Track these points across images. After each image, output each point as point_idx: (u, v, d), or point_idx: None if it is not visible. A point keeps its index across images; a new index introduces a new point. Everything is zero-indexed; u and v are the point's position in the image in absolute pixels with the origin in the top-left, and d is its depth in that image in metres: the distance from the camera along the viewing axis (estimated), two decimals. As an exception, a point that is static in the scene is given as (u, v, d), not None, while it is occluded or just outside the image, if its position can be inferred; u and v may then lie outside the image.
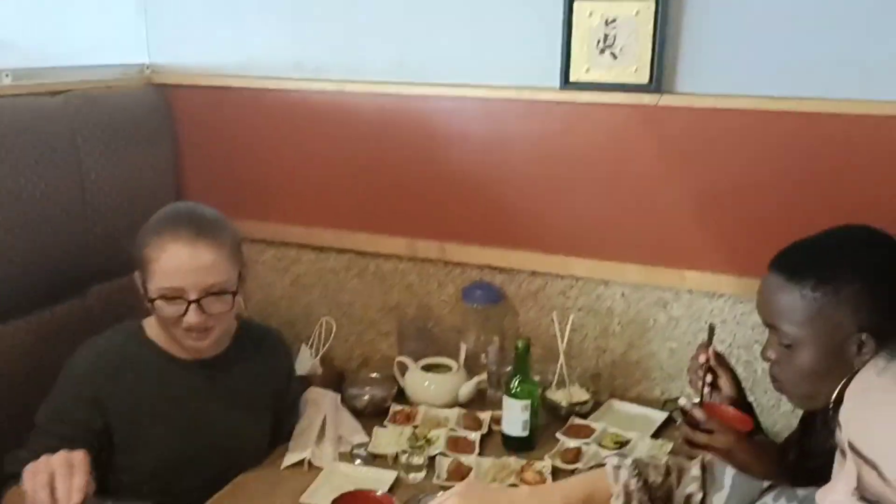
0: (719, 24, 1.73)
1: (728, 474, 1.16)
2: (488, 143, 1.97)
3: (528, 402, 1.70)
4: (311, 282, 2.23)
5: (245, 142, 2.20)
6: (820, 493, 0.81)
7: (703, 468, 1.17)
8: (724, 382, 1.49)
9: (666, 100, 1.78)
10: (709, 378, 1.49)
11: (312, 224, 2.18)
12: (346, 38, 2.05)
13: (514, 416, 1.70)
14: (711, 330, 1.52)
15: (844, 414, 0.78)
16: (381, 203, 2.10)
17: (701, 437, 1.35)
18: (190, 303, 1.48)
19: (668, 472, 1.17)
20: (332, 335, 2.02)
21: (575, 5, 1.81)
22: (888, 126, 1.64)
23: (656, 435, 1.76)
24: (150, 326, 1.60)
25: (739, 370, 1.61)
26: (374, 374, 1.96)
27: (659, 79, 1.78)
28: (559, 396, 1.86)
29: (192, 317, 1.48)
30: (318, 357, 2.01)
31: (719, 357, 1.51)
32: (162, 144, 2.19)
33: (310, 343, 2.06)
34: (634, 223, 1.88)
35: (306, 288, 2.24)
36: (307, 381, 1.92)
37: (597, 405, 1.89)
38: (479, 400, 1.93)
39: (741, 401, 1.52)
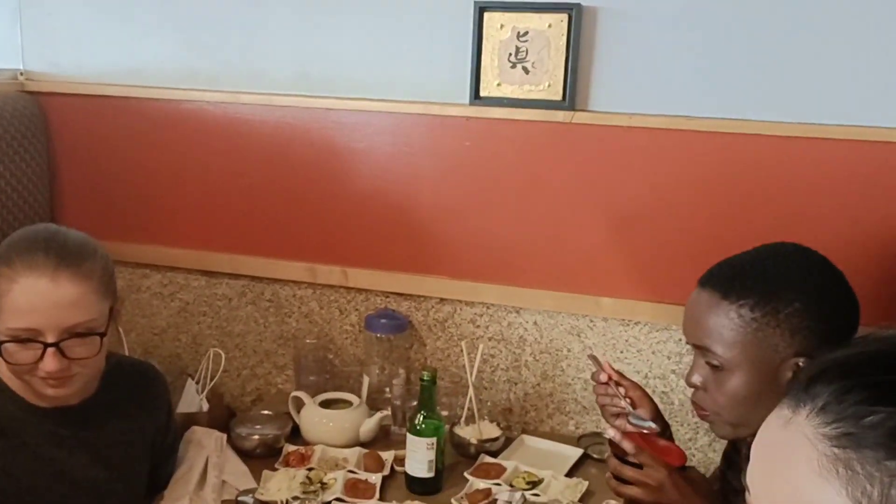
0: (634, 40, 1.66)
1: None
2: (394, 161, 1.84)
3: (433, 439, 1.56)
4: (200, 310, 2.05)
5: (129, 156, 2.01)
6: None
7: None
8: (640, 399, 1.38)
9: (580, 117, 1.70)
10: (622, 392, 1.38)
11: (203, 247, 2.00)
12: (244, 48, 1.90)
13: (419, 456, 1.56)
14: (594, 359, 1.43)
15: (750, 475, 0.65)
16: (278, 224, 1.94)
17: (630, 472, 1.23)
18: (47, 346, 1.24)
19: None
20: (221, 368, 1.83)
21: (485, 16, 1.72)
22: (801, 146, 1.60)
23: (571, 473, 1.65)
24: (3, 368, 1.34)
25: (656, 401, 1.52)
26: (266, 412, 1.79)
27: (573, 95, 1.70)
28: (468, 433, 1.73)
29: (50, 363, 1.24)
30: (206, 392, 1.82)
31: (621, 375, 1.41)
32: (35, 157, 1.98)
33: (196, 377, 1.87)
34: (547, 247, 1.79)
35: (195, 317, 2.05)
36: (191, 420, 1.72)
37: (508, 441, 1.77)
38: (382, 438, 1.78)
39: (660, 421, 1.42)
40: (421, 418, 1.56)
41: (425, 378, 1.57)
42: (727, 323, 1.18)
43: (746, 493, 0.65)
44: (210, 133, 1.94)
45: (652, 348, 1.77)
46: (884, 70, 1.54)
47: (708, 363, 1.22)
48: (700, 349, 1.23)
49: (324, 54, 1.85)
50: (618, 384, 1.40)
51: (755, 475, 0.64)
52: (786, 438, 0.60)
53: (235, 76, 1.91)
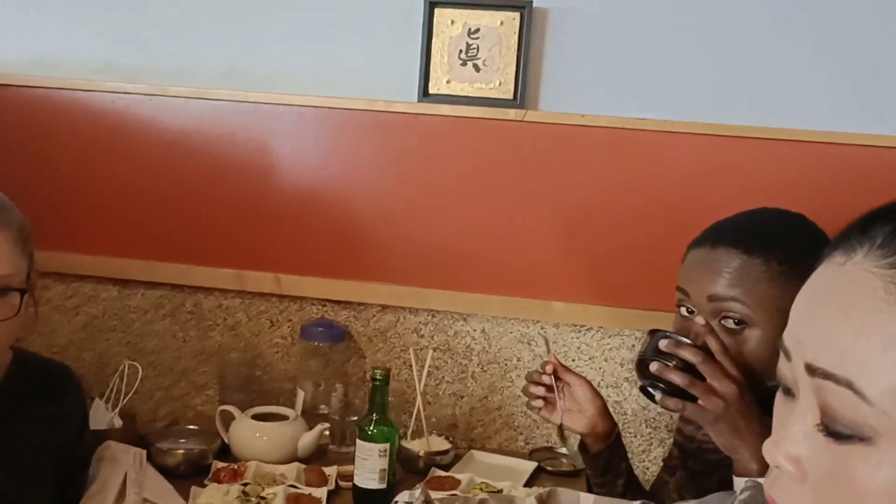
0: (587, 39, 1.66)
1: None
2: (334, 160, 1.74)
3: (386, 445, 1.42)
4: (108, 324, 1.83)
5: (33, 151, 1.81)
6: (766, 446, 0.60)
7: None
8: (580, 390, 1.31)
9: (531, 116, 1.67)
10: (560, 386, 1.31)
11: (116, 253, 1.81)
12: (168, 38, 1.78)
13: (370, 464, 1.42)
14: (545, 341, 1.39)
15: (794, 334, 0.59)
16: (203, 227, 1.79)
17: (700, 385, 1.07)
18: None
19: None
20: (137, 382, 1.63)
21: (436, 12, 1.68)
22: (755, 148, 1.62)
23: (529, 484, 1.54)
24: None
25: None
26: (192, 426, 1.60)
27: (524, 94, 1.67)
28: (415, 446, 1.60)
29: None
30: (118, 409, 1.61)
31: (566, 368, 1.34)
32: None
33: (105, 396, 1.66)
34: (497, 249, 1.72)
35: (102, 332, 1.84)
36: (102, 438, 1.51)
37: (456, 458, 1.65)
38: (319, 457, 1.62)
39: (609, 420, 1.34)
40: (372, 422, 1.43)
41: (378, 377, 1.44)
42: (756, 275, 1.13)
43: (781, 365, 0.58)
44: (127, 128, 1.78)
45: (604, 355, 1.71)
46: (836, 74, 1.59)
47: (728, 318, 1.14)
48: (722, 302, 1.14)
49: (257, 47, 1.75)
50: (558, 378, 1.32)
51: (804, 329, 0.58)
52: (841, 282, 0.56)
53: (158, 69, 1.78)
